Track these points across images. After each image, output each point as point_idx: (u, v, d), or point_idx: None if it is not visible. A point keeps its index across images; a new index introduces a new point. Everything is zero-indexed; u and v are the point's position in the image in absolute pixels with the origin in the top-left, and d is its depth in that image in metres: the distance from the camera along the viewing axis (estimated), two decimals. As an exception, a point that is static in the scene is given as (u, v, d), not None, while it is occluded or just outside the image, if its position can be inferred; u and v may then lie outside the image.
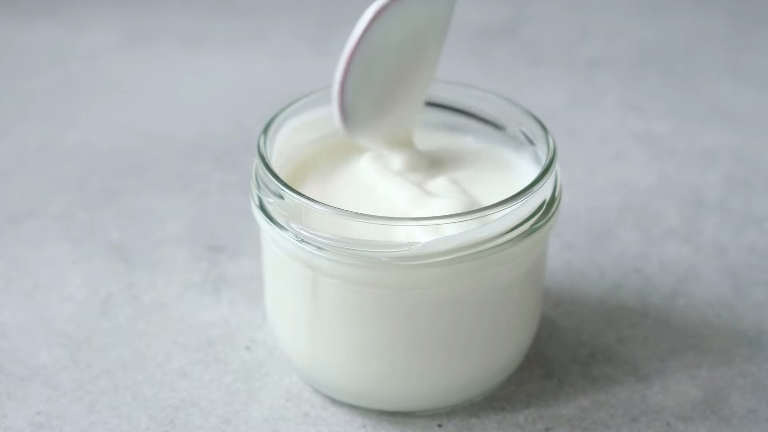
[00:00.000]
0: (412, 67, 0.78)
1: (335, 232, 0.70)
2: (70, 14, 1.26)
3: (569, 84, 1.15)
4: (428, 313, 0.73)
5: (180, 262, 0.90)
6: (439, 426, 0.77)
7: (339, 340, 0.74)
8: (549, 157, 0.74)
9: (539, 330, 0.84)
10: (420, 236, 0.70)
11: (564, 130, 1.07)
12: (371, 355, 0.74)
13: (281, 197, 0.72)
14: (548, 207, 0.74)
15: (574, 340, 0.83)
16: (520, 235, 0.72)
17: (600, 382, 0.80)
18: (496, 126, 0.81)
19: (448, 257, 0.70)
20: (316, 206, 0.71)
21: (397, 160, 0.79)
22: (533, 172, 0.77)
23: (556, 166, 0.75)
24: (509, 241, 0.71)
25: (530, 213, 0.72)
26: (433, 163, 0.80)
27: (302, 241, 0.71)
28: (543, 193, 0.73)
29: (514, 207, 0.71)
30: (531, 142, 0.79)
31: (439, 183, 0.77)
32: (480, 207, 0.72)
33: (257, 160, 0.75)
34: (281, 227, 0.72)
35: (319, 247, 0.71)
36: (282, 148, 0.79)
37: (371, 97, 0.77)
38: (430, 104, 0.82)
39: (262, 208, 0.74)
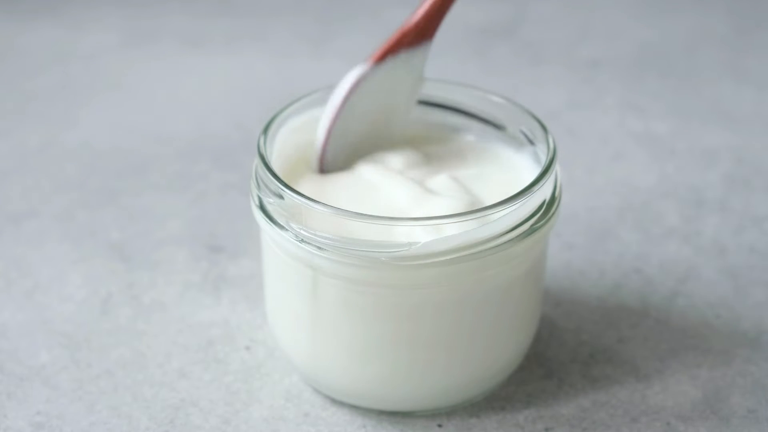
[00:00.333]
0: (387, 119, 0.81)
1: (335, 232, 0.70)
2: (70, 14, 1.26)
3: (569, 84, 1.15)
4: (428, 313, 0.73)
5: (180, 262, 0.90)
6: (439, 426, 0.77)
7: (339, 340, 0.74)
8: (549, 157, 0.74)
9: (539, 330, 0.84)
10: (420, 236, 0.70)
11: (564, 130, 1.07)
12: (371, 355, 0.74)
13: (281, 197, 0.72)
14: (548, 207, 0.74)
15: (574, 340, 0.83)
16: (520, 235, 0.72)
17: (600, 382, 0.80)
18: (496, 126, 0.81)
19: (448, 257, 0.70)
20: (316, 206, 0.71)
21: (396, 159, 0.79)
22: (533, 172, 0.77)
23: (556, 166, 0.75)
24: (509, 241, 0.71)
25: (530, 213, 0.72)
26: (433, 160, 0.80)
27: (302, 241, 0.71)
28: (543, 193, 0.73)
29: (514, 207, 0.71)
30: (531, 142, 0.79)
31: (440, 181, 0.77)
32: (480, 207, 0.72)
33: (257, 160, 0.75)
34: (281, 227, 0.72)
35: (319, 247, 0.71)
36: (282, 148, 0.79)
37: (349, 149, 0.80)
38: (430, 104, 0.82)
39: (262, 208, 0.74)
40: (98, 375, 0.80)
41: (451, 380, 0.76)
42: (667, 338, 0.84)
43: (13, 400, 0.79)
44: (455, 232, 0.70)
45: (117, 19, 1.26)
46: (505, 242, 0.71)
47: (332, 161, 0.79)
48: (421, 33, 0.79)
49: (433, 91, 0.82)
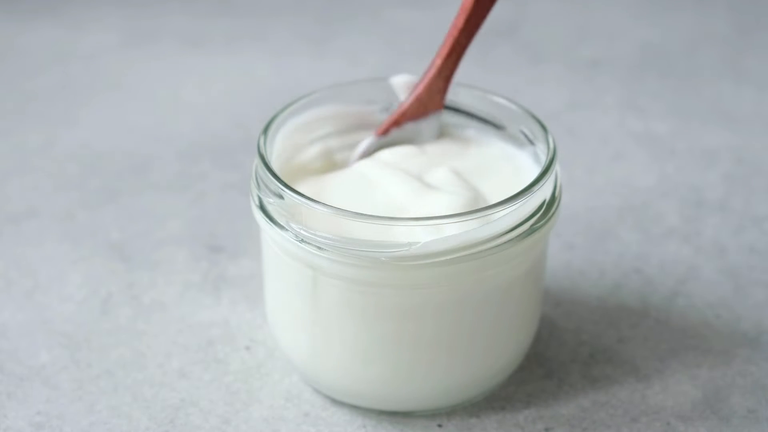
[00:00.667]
0: None
1: (335, 232, 0.70)
2: (70, 14, 1.26)
3: (569, 84, 1.15)
4: (428, 313, 0.73)
5: (180, 262, 0.90)
6: (439, 426, 0.77)
7: (339, 340, 0.74)
8: (549, 157, 0.74)
9: (539, 330, 0.84)
10: (420, 236, 0.70)
11: (564, 130, 1.07)
12: (371, 355, 0.74)
13: (281, 197, 0.72)
14: (548, 207, 0.74)
15: (574, 340, 0.83)
16: (520, 235, 0.72)
17: (600, 382, 0.80)
18: (496, 126, 0.81)
19: (448, 257, 0.70)
20: (316, 206, 0.71)
21: (392, 153, 0.79)
22: (534, 172, 0.77)
23: (556, 166, 0.75)
24: (509, 241, 0.71)
25: (530, 213, 0.72)
26: (433, 154, 0.79)
27: (302, 241, 0.71)
28: (543, 193, 0.73)
29: (514, 207, 0.71)
30: (531, 142, 0.79)
31: (441, 175, 0.76)
32: (480, 207, 0.72)
33: (257, 160, 0.74)
34: (281, 227, 0.72)
35: (319, 247, 0.71)
36: (282, 148, 0.79)
37: None
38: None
39: (262, 208, 0.74)
40: (98, 375, 0.80)
41: (452, 380, 0.76)
42: (667, 338, 0.84)
43: (13, 400, 0.79)
44: (455, 232, 0.70)
45: (117, 19, 1.26)
46: (505, 242, 0.71)
47: None
48: (424, 105, 0.80)
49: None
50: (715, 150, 1.04)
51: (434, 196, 0.74)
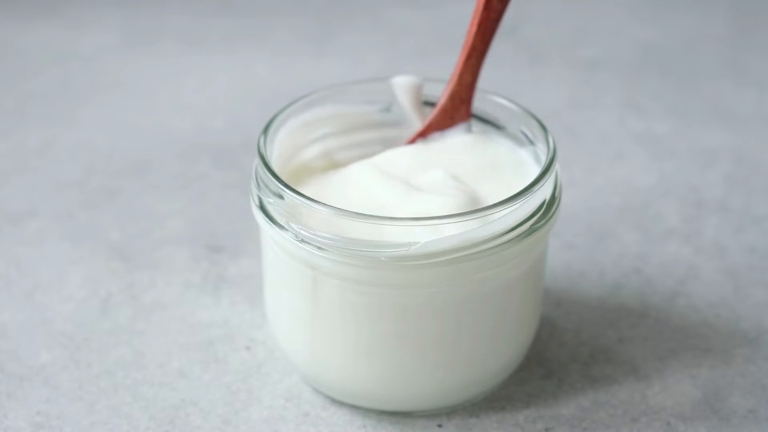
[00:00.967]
0: None
1: (335, 232, 0.70)
2: (70, 14, 1.26)
3: (569, 84, 1.15)
4: (428, 313, 0.73)
5: (180, 262, 0.90)
6: (439, 426, 0.77)
7: (339, 340, 0.74)
8: (549, 157, 0.74)
9: (539, 330, 0.84)
10: (420, 236, 0.70)
11: (564, 130, 1.07)
12: (371, 355, 0.74)
13: (281, 197, 0.72)
14: (548, 207, 0.74)
15: (574, 340, 0.83)
16: (520, 235, 0.72)
17: (600, 382, 0.80)
18: (496, 126, 0.81)
19: (448, 257, 0.70)
20: (316, 206, 0.71)
21: (382, 158, 0.78)
22: (533, 172, 0.77)
23: (556, 166, 0.75)
24: (509, 241, 0.71)
25: (530, 213, 0.72)
26: (432, 153, 0.79)
27: (302, 241, 0.71)
28: (543, 193, 0.73)
29: (514, 207, 0.71)
30: (531, 142, 0.79)
31: (435, 177, 0.76)
32: (478, 207, 0.72)
33: (257, 160, 0.74)
34: (281, 227, 0.72)
35: (319, 247, 0.71)
36: (282, 148, 0.79)
37: None
38: (430, 104, 0.82)
39: (262, 208, 0.74)
40: (98, 375, 0.80)
41: (452, 380, 0.76)
42: (667, 338, 0.84)
43: (13, 400, 0.79)
44: (455, 232, 0.70)
45: (117, 19, 1.26)
46: (505, 242, 0.71)
47: None
48: (450, 115, 0.79)
49: (433, 91, 0.82)
50: (715, 150, 1.04)
51: (426, 198, 0.74)
